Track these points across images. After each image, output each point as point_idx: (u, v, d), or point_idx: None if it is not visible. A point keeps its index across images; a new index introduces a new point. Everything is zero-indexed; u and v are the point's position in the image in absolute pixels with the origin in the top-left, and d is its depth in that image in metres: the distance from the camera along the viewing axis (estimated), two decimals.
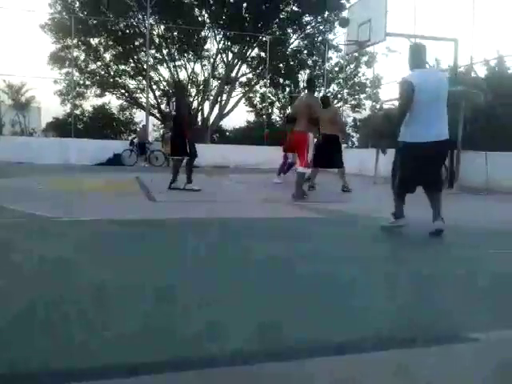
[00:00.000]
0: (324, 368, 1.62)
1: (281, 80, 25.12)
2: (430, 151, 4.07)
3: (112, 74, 23.86)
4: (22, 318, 1.96)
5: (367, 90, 25.55)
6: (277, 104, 26.07)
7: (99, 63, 23.50)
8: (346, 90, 25.64)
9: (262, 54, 23.24)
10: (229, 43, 23.72)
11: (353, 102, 26.44)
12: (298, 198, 6.69)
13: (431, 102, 4.07)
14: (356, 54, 21.58)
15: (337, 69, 25.33)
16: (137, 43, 22.75)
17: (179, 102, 7.80)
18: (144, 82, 22.24)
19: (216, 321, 1.96)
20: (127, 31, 22.79)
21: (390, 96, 30.54)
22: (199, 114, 24.37)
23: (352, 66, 25.14)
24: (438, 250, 3.78)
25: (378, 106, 18.07)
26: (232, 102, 24.58)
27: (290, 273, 2.83)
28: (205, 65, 23.89)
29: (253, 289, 2.50)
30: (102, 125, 23.65)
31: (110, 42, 23.00)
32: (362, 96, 26.19)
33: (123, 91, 24.25)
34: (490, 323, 2.07)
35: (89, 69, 23.41)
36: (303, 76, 25.44)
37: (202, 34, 23.05)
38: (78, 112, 22.69)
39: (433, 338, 1.89)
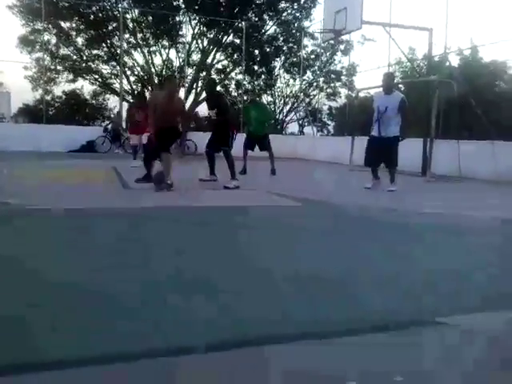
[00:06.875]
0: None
1: (256, 67, 24.91)
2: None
3: (84, 58, 23.28)
4: None
5: (342, 77, 25.65)
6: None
7: (71, 48, 22.87)
8: (321, 78, 25.67)
9: (237, 41, 23.01)
10: (204, 29, 23.38)
11: (328, 90, 26.51)
12: None
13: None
14: (332, 42, 21.58)
15: (313, 56, 25.30)
16: (110, 27, 22.20)
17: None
18: (118, 67, 21.81)
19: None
20: (100, 15, 22.21)
21: (365, 84, 30.85)
22: None
23: (328, 53, 25.13)
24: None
25: (353, 95, 18.21)
26: None
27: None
28: (180, 51, 23.55)
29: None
30: (74, 111, 23.09)
31: (82, 26, 22.38)
32: (338, 84, 26.28)
33: (96, 76, 23.71)
34: None
35: (60, 53, 22.78)
36: (279, 63, 25.34)
37: (177, 19, 22.64)
38: (49, 98, 22.09)
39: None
